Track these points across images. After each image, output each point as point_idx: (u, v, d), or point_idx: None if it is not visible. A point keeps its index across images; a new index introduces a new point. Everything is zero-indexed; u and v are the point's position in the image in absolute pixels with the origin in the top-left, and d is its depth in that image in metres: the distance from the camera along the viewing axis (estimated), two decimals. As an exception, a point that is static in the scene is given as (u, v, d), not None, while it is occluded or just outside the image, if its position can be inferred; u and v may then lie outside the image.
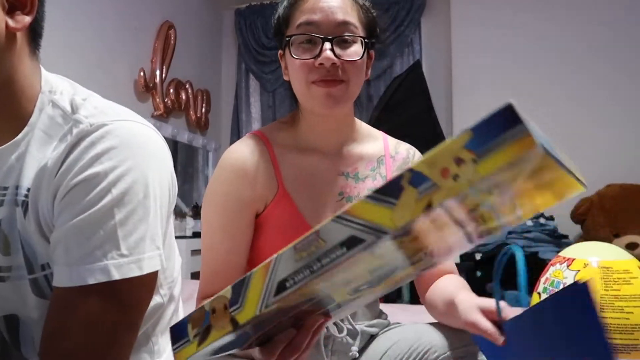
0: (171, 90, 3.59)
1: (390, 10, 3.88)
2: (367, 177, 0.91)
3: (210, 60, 4.26)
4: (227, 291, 0.46)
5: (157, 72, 3.44)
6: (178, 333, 0.50)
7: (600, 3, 3.30)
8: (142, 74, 3.27)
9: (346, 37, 0.82)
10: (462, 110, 3.50)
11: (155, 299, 0.72)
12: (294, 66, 0.84)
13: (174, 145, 3.68)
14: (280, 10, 0.88)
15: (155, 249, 0.62)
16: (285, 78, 0.89)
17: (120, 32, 3.10)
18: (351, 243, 0.38)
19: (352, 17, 0.83)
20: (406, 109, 3.12)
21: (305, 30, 0.82)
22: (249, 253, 0.87)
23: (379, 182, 0.91)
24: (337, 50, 0.81)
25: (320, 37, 0.81)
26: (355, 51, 0.83)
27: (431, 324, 0.86)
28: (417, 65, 3.46)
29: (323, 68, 0.80)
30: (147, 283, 0.62)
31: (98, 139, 0.61)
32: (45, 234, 0.62)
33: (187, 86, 3.81)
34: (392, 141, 0.98)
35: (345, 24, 0.82)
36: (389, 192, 0.35)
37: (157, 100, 3.44)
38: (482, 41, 3.49)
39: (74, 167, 0.60)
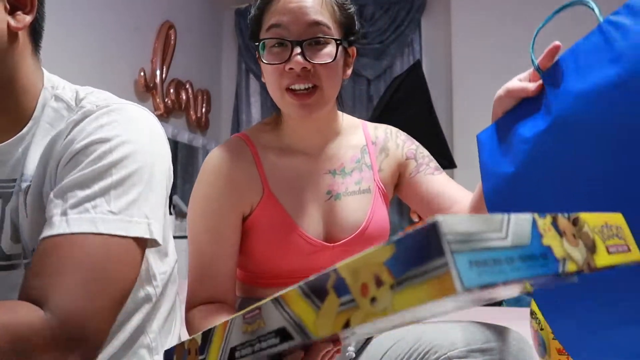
0: (171, 90, 3.59)
1: (390, 10, 3.89)
2: (353, 170, 0.90)
3: (210, 60, 4.26)
4: (198, 336, 0.47)
5: (157, 72, 3.44)
6: (167, 359, 0.51)
7: (603, 2, 3.30)
8: (142, 74, 3.28)
9: (317, 38, 0.79)
10: (462, 110, 3.50)
11: (147, 289, 0.73)
12: (266, 71, 0.82)
13: (174, 145, 3.68)
14: (253, 11, 0.85)
15: (144, 218, 0.62)
16: (263, 80, 0.87)
17: (120, 32, 3.10)
18: (283, 336, 0.36)
19: (324, 16, 0.79)
20: (406, 109, 3.13)
21: (275, 33, 0.79)
22: (240, 257, 0.87)
23: (365, 173, 0.91)
24: (308, 53, 0.78)
25: (289, 41, 0.78)
26: (328, 53, 0.79)
27: (432, 323, 0.86)
28: (417, 65, 3.46)
29: (294, 72, 0.78)
30: (133, 249, 0.61)
31: (102, 115, 0.65)
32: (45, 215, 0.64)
33: (187, 86, 3.81)
34: (370, 127, 0.97)
35: (316, 25, 0.78)
36: (316, 291, 0.33)
37: (157, 100, 3.44)
38: (482, 41, 3.49)
39: (78, 136, 0.63)
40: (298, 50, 0.77)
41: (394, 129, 0.98)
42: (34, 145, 0.66)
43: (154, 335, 0.75)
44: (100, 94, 0.70)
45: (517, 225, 0.29)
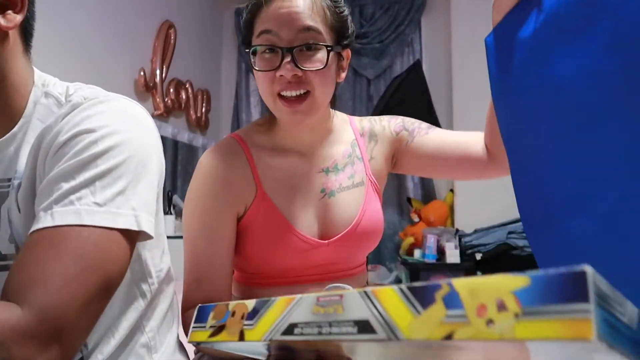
0: (171, 90, 3.59)
1: (390, 10, 3.89)
2: (346, 165, 0.91)
3: (210, 60, 4.26)
4: (250, 302, 0.46)
5: (157, 72, 3.44)
6: (201, 314, 0.50)
7: None
8: (142, 73, 3.28)
9: (307, 45, 0.78)
10: (462, 111, 3.50)
11: (142, 286, 0.73)
12: (258, 77, 0.82)
13: (174, 145, 3.68)
14: (245, 15, 0.84)
15: (131, 209, 0.61)
16: (256, 83, 0.87)
17: (120, 32, 3.10)
18: (363, 327, 0.35)
19: (315, 21, 0.78)
20: (406, 109, 3.13)
21: (265, 39, 0.78)
22: (235, 258, 0.87)
23: (357, 166, 0.92)
24: (299, 59, 0.77)
25: (279, 48, 0.77)
26: (319, 59, 0.79)
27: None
28: (417, 65, 3.46)
29: (285, 79, 0.78)
30: (120, 241, 0.59)
31: (89, 106, 0.64)
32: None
33: (187, 86, 3.81)
34: (356, 120, 0.98)
35: (307, 30, 0.78)
36: (421, 296, 0.33)
37: (157, 100, 3.44)
38: (482, 41, 3.48)
39: (64, 127, 0.62)
40: (288, 58, 0.77)
41: (376, 117, 1.00)
42: (25, 143, 0.66)
43: (152, 334, 0.75)
44: (90, 88, 0.70)
45: (631, 309, 0.30)
